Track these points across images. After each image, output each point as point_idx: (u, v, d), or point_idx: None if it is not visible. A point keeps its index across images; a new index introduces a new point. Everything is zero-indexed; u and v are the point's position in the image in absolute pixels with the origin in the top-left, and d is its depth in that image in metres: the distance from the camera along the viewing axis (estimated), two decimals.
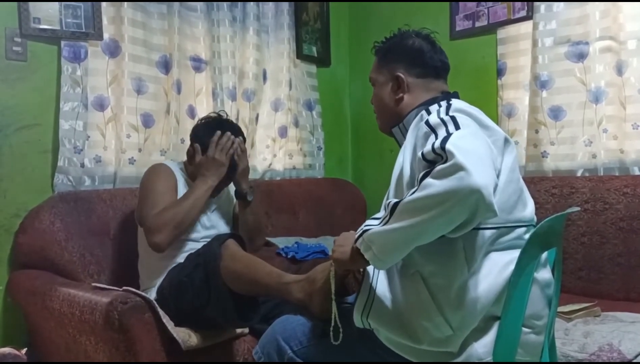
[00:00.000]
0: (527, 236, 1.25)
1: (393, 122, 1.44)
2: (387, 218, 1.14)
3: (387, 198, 1.33)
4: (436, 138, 1.14)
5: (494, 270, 1.21)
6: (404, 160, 1.28)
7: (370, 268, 1.29)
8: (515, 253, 1.20)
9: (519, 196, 1.28)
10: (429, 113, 1.28)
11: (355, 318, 1.27)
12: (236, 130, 2.05)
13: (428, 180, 1.07)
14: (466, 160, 1.03)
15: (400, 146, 1.41)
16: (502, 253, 1.23)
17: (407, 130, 1.37)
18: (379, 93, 1.49)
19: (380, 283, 1.27)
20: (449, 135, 1.11)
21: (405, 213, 1.10)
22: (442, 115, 1.21)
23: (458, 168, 1.03)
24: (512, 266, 1.19)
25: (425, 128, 1.20)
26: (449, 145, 1.07)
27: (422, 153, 1.12)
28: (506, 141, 1.28)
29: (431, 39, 1.47)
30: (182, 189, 1.99)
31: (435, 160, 1.09)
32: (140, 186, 1.98)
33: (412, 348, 1.22)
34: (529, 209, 1.30)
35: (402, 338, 1.22)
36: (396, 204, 1.12)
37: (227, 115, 2.11)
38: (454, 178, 1.03)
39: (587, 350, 1.63)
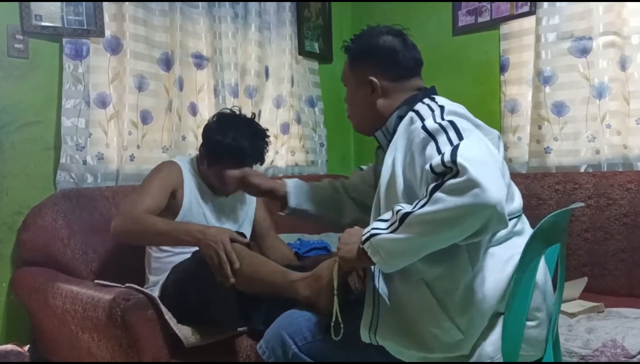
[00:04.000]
0: (518, 227, 1.27)
1: (375, 126, 1.42)
2: (395, 225, 1.13)
3: (378, 205, 1.31)
4: (437, 146, 1.13)
5: (497, 266, 1.21)
6: (395, 165, 1.26)
7: (371, 279, 1.28)
8: (513, 247, 1.21)
9: (509, 190, 1.28)
10: (420, 116, 1.25)
11: (362, 335, 1.26)
12: (256, 130, 1.96)
13: (440, 194, 1.06)
14: (479, 175, 1.02)
15: (382, 147, 1.40)
16: (501, 248, 1.23)
17: (390, 133, 1.35)
18: (352, 96, 1.47)
19: (384, 295, 1.26)
20: (456, 146, 1.10)
21: (417, 226, 1.10)
22: (438, 119, 1.20)
23: (473, 184, 1.02)
24: (513, 262, 1.19)
25: (422, 134, 1.18)
26: (460, 159, 1.05)
27: (431, 166, 1.10)
28: (499, 138, 1.29)
29: (402, 34, 1.43)
30: (188, 186, 1.95)
31: (445, 173, 1.08)
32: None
33: (424, 358, 1.21)
34: (517, 200, 1.31)
35: (413, 349, 1.21)
36: (406, 214, 1.11)
37: (240, 110, 2.02)
38: (469, 195, 1.02)
39: (590, 346, 1.63)
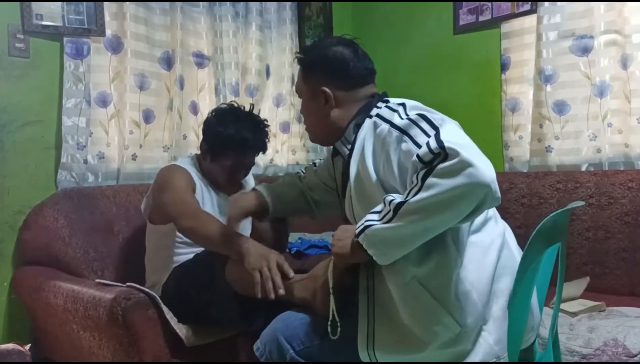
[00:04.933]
0: (490, 212, 1.29)
1: (330, 136, 1.42)
2: (389, 215, 1.14)
3: (352, 212, 1.32)
4: (413, 139, 1.15)
5: (480, 253, 1.22)
6: (365, 170, 1.26)
7: (365, 292, 1.28)
8: (491, 233, 1.24)
9: None
10: (383, 118, 1.25)
11: (361, 356, 1.25)
12: (256, 121, 1.95)
13: (433, 179, 1.07)
14: (470, 156, 1.04)
15: (342, 156, 1.40)
16: (480, 235, 1.25)
17: (350, 142, 1.35)
18: (307, 107, 1.47)
19: (378, 306, 1.25)
20: (437, 133, 1.11)
21: (413, 213, 1.10)
22: (404, 115, 1.21)
23: (465, 164, 1.04)
24: (494, 247, 1.23)
25: (394, 133, 1.19)
26: (447, 143, 1.07)
27: (419, 156, 1.11)
28: (459, 128, 1.29)
29: (353, 44, 1.44)
30: (198, 187, 1.94)
31: (434, 159, 1.08)
32: (160, 183, 1.87)
33: (425, 358, 1.20)
34: None
35: (413, 353, 1.20)
36: (400, 203, 1.12)
37: (237, 104, 2.01)
38: (462, 175, 1.04)
39: (592, 345, 1.63)
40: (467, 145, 1.08)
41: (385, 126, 1.22)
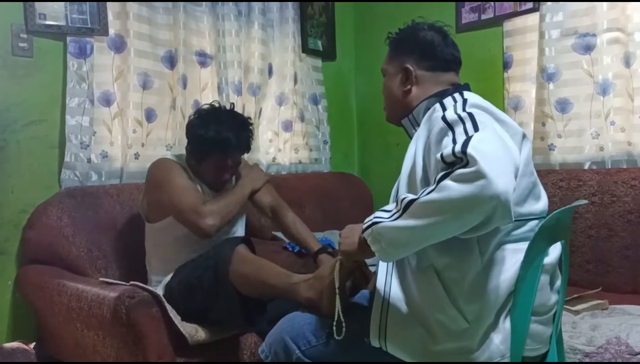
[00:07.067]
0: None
1: (402, 114, 1.43)
2: (399, 213, 1.13)
3: (397, 190, 1.32)
4: (454, 137, 1.13)
5: (509, 261, 1.21)
6: (416, 152, 1.27)
7: (382, 270, 1.28)
8: (527, 244, 1.20)
9: (531, 190, 1.27)
10: (443, 107, 1.26)
11: (372, 341, 1.25)
12: (238, 121, 1.94)
13: (447, 182, 1.06)
14: (488, 167, 1.02)
15: (410, 137, 1.40)
16: (515, 245, 1.23)
17: (417, 122, 1.37)
18: (388, 84, 1.48)
19: (394, 288, 1.26)
20: (469, 137, 1.09)
21: (420, 213, 1.09)
22: (459, 110, 1.20)
23: (479, 175, 1.02)
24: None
25: (441, 124, 1.18)
26: (470, 150, 1.05)
27: (442, 156, 1.10)
28: (524, 136, 1.28)
29: (444, 32, 1.47)
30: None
31: (455, 163, 1.07)
32: (156, 180, 1.89)
33: (431, 348, 1.21)
34: (541, 202, 1.30)
35: (420, 338, 1.21)
36: (410, 202, 1.11)
37: (219, 103, 2.00)
38: (474, 185, 1.02)
39: (594, 343, 1.63)
40: (491, 155, 1.05)
41: (438, 114, 1.22)
